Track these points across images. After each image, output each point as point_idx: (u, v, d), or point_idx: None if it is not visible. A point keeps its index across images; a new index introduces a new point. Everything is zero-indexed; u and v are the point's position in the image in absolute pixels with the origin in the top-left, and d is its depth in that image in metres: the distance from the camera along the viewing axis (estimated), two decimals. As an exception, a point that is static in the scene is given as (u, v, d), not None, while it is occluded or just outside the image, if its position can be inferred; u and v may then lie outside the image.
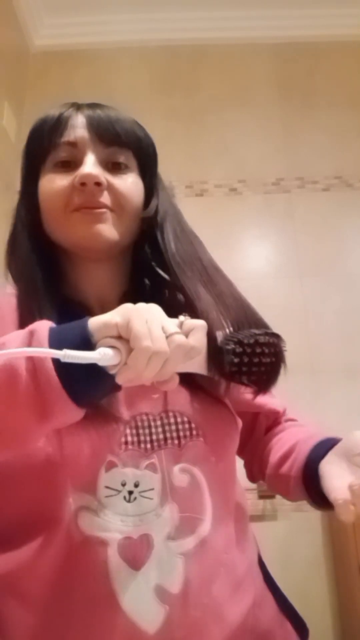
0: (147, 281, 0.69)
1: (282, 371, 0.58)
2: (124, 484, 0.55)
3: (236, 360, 0.54)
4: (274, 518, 1.82)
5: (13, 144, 2.19)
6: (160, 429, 0.59)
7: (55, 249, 0.67)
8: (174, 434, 0.59)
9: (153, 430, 0.59)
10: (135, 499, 0.55)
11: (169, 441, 0.59)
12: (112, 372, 0.45)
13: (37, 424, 0.47)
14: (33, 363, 0.45)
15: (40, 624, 0.52)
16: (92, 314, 0.66)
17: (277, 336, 0.58)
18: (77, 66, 2.36)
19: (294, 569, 1.73)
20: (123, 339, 0.45)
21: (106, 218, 0.63)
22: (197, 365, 0.54)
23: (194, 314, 0.57)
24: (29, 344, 0.46)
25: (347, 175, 2.23)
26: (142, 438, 0.58)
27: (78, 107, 0.67)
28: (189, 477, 0.58)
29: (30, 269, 0.65)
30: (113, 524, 0.54)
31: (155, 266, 0.67)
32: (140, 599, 0.52)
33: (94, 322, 0.47)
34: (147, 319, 0.46)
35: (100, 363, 0.44)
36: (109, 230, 0.63)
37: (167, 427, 0.59)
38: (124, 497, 0.55)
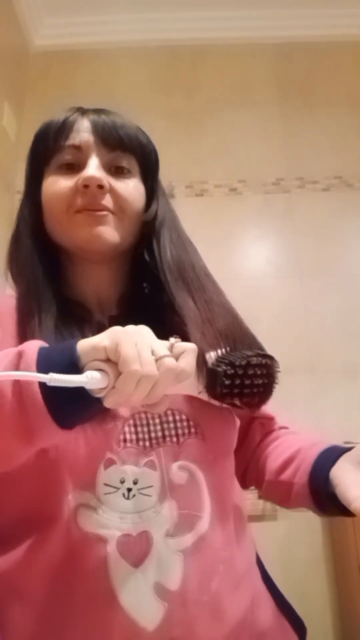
0: (145, 284, 0.70)
1: (273, 391, 0.59)
2: (122, 482, 0.56)
3: (227, 382, 0.54)
4: (274, 518, 1.82)
5: (13, 144, 2.19)
6: (159, 427, 0.59)
7: (56, 249, 0.68)
8: (173, 432, 0.60)
9: (152, 428, 0.59)
10: (134, 496, 0.55)
11: (168, 439, 0.59)
12: (99, 395, 0.45)
13: (22, 446, 0.47)
14: (20, 385, 0.45)
15: (39, 621, 0.52)
16: (91, 314, 0.67)
17: (269, 357, 0.59)
18: (78, 66, 2.36)
19: (294, 569, 1.73)
20: (112, 362, 0.45)
21: (107, 220, 0.65)
22: (188, 387, 0.54)
23: (182, 323, 0.60)
24: (17, 366, 0.46)
25: (347, 175, 2.23)
26: (140, 436, 0.58)
27: (83, 111, 0.68)
28: (187, 475, 0.58)
29: (32, 268, 0.66)
30: (112, 521, 0.54)
31: (153, 269, 0.68)
32: (139, 596, 0.52)
33: (83, 345, 0.47)
34: (136, 342, 0.46)
35: (87, 386, 0.44)
36: (109, 232, 0.65)
37: (165, 425, 0.60)
38: (123, 495, 0.55)
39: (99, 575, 0.52)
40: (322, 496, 0.58)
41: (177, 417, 0.61)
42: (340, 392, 1.94)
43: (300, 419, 0.78)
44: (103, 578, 0.52)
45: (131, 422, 0.59)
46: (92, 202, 0.64)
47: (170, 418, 0.60)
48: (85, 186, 0.63)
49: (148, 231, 0.69)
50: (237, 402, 0.56)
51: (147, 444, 0.58)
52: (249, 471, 0.75)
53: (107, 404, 0.46)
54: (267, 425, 0.77)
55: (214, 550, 0.57)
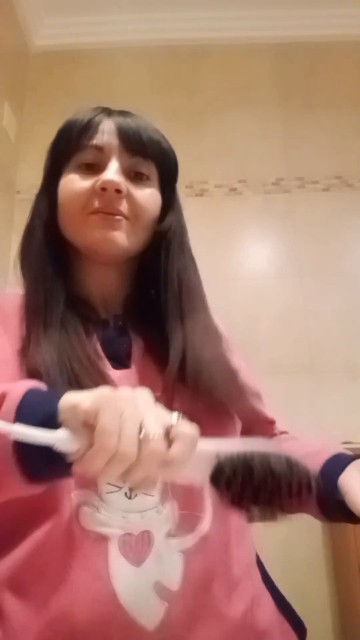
0: (151, 290, 0.70)
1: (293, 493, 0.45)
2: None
3: (233, 489, 0.45)
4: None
5: (13, 144, 2.19)
6: None
7: (67, 246, 0.69)
8: None
9: None
10: (136, 495, 0.55)
11: None
12: (71, 458, 0.41)
13: None
14: None
15: (39, 618, 0.52)
16: (96, 312, 0.67)
17: (296, 465, 0.46)
18: (77, 66, 2.36)
19: (294, 569, 1.73)
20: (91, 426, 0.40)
21: (121, 225, 0.65)
22: (188, 476, 0.45)
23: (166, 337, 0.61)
24: None
25: (347, 175, 2.23)
26: None
27: (109, 112, 0.68)
28: None
29: (42, 263, 0.66)
30: (114, 520, 0.54)
31: (156, 278, 0.69)
32: (139, 595, 0.52)
33: (64, 401, 0.43)
34: (123, 412, 0.40)
35: (54, 447, 0.40)
36: (121, 237, 0.65)
37: None
38: (125, 494, 0.55)
39: (100, 574, 0.52)
40: (329, 503, 0.57)
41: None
42: (340, 392, 1.94)
43: (300, 419, 0.79)
44: (104, 576, 0.52)
45: None
46: (108, 206, 0.64)
47: None
48: (103, 189, 0.63)
49: (159, 240, 0.70)
50: (245, 508, 0.48)
51: None
52: None
53: (76, 469, 0.41)
54: (269, 430, 0.77)
55: (215, 551, 0.57)
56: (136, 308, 0.69)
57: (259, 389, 0.77)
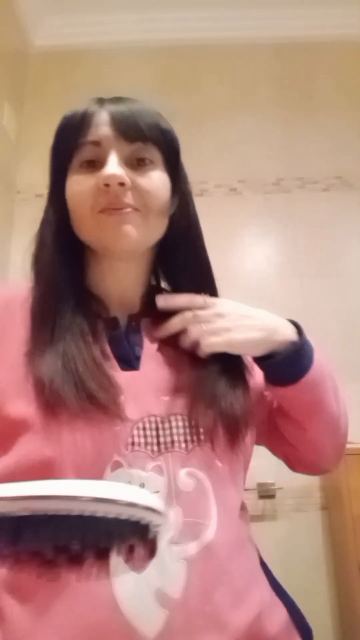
0: (166, 284, 0.72)
1: None
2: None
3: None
4: (274, 518, 1.82)
5: (13, 144, 2.19)
6: (167, 432, 0.59)
7: (83, 248, 0.68)
8: (182, 438, 0.59)
9: (160, 432, 0.58)
10: None
11: (176, 444, 0.58)
12: None
13: None
14: None
15: (39, 622, 0.52)
16: (107, 310, 0.67)
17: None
18: (77, 66, 2.36)
19: (294, 569, 1.73)
20: None
21: (131, 218, 0.63)
22: None
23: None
24: None
25: (347, 175, 2.23)
26: (149, 440, 0.58)
27: (102, 102, 0.66)
28: (194, 482, 0.57)
29: (53, 267, 0.66)
30: None
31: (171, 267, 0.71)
32: (140, 602, 0.51)
33: None
34: None
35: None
36: (134, 230, 0.64)
37: (175, 431, 0.59)
38: None
39: (100, 579, 0.51)
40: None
41: (187, 423, 0.60)
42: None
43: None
44: (104, 582, 0.51)
45: (140, 425, 0.58)
46: (114, 202, 0.62)
47: (180, 424, 0.59)
48: (106, 185, 0.62)
49: (174, 227, 0.70)
50: None
51: (155, 448, 0.57)
52: (289, 452, 0.76)
53: None
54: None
55: (219, 559, 0.56)
56: (153, 308, 0.68)
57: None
